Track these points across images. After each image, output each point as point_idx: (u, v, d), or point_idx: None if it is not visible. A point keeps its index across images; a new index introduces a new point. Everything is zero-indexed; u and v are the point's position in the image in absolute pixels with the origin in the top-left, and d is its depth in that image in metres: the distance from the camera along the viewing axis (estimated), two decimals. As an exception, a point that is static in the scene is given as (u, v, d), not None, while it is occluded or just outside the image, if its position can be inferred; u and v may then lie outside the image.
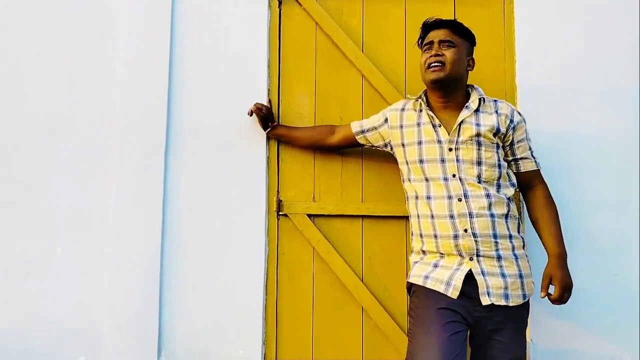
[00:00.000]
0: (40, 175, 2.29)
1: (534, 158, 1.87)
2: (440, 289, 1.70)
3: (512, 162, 1.86)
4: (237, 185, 2.26)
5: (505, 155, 1.84)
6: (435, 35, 1.81)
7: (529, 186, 1.87)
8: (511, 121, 1.81)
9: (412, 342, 1.71)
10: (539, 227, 1.84)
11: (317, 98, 2.31)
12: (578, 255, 2.06)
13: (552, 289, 1.77)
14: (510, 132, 1.81)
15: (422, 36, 1.89)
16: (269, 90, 2.31)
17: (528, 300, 1.76)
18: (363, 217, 2.24)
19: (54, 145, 2.30)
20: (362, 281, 2.20)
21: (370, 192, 2.25)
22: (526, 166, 1.85)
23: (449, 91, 1.81)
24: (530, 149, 1.86)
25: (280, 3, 2.34)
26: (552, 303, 1.73)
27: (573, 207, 2.11)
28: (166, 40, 2.30)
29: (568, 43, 2.21)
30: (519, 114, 1.85)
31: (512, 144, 1.83)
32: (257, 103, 2.16)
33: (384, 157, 2.21)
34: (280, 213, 2.26)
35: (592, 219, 2.13)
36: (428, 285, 1.73)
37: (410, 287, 1.82)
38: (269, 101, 2.26)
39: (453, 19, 1.86)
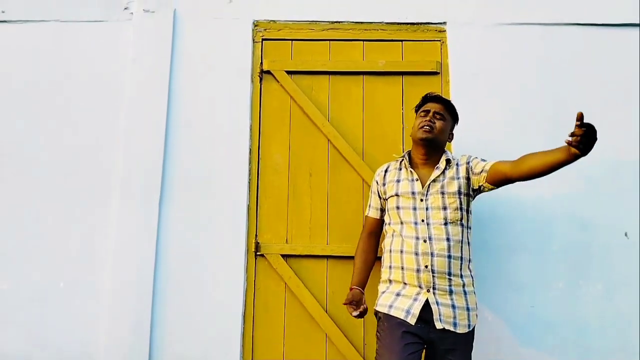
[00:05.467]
0: (49, 217, 2.64)
1: (489, 160, 2.15)
2: (401, 316, 2.02)
3: (482, 173, 2.12)
4: (221, 228, 2.64)
5: (479, 182, 2.13)
6: (433, 106, 2.21)
7: (504, 165, 2.08)
8: (467, 163, 2.18)
9: None
10: (543, 160, 1.94)
11: (290, 157, 2.75)
12: (501, 291, 2.53)
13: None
14: (470, 169, 2.15)
15: (421, 104, 2.27)
16: (250, 150, 2.75)
17: (473, 328, 2.10)
18: (328, 257, 2.63)
19: (62, 193, 2.67)
20: (327, 312, 2.58)
21: (334, 235, 2.65)
22: (488, 164, 2.12)
23: (430, 151, 2.18)
24: (482, 160, 2.15)
25: (261, 79, 2.83)
26: (577, 134, 1.74)
27: (497, 250, 2.59)
28: (163, 106, 2.74)
29: (491, 119, 2.72)
30: (469, 155, 2.22)
31: (473, 172, 2.14)
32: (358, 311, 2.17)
33: (347, 205, 2.66)
34: (257, 253, 2.64)
35: (512, 259, 2.59)
36: (392, 313, 2.05)
37: (377, 313, 2.14)
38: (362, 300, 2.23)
39: (448, 100, 2.26)
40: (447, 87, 2.79)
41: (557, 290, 2.57)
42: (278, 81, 2.81)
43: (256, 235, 2.68)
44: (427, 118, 2.18)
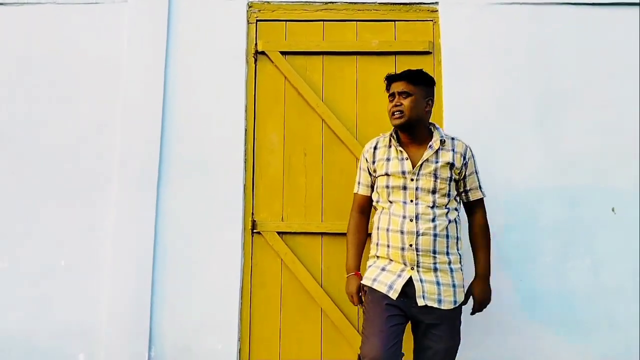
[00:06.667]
0: (51, 198, 2.70)
1: (481, 189, 2.23)
2: (384, 290, 2.07)
3: (463, 193, 2.21)
4: (218, 207, 2.70)
5: (457, 186, 2.19)
6: (395, 87, 2.14)
7: (472, 212, 2.26)
8: (464, 158, 2.16)
9: (363, 333, 2.10)
10: (473, 249, 2.25)
11: (285, 137, 2.80)
12: (490, 266, 2.58)
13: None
14: (463, 168, 2.16)
15: (387, 87, 2.21)
16: (245, 130, 2.79)
17: (460, 305, 2.12)
18: (323, 234, 2.70)
19: (64, 173, 2.73)
20: (322, 287, 2.66)
21: (329, 213, 2.72)
22: (474, 195, 2.23)
23: (411, 131, 2.14)
24: (478, 180, 2.22)
25: (255, 60, 2.86)
26: (470, 313, 2.20)
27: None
28: (159, 87, 2.77)
29: (483, 98, 2.75)
30: (471, 151, 2.20)
31: (464, 177, 2.17)
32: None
33: (340, 184, 2.71)
34: (254, 231, 2.71)
35: (501, 235, 2.65)
36: (375, 287, 2.10)
37: (363, 287, 2.18)
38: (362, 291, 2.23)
39: (410, 70, 2.16)
40: (439, 67, 2.82)
41: (544, 265, 2.64)
42: (272, 62, 2.84)
43: (252, 213, 2.74)
44: (393, 102, 2.15)
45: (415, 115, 2.13)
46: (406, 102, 2.12)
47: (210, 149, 2.76)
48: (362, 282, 2.19)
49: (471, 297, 2.19)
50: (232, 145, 2.76)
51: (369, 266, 2.21)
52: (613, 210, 2.68)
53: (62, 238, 2.67)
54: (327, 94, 2.82)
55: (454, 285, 2.09)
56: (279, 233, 2.70)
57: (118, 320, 2.58)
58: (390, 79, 2.20)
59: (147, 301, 2.59)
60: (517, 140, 2.73)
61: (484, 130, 2.73)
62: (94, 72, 2.82)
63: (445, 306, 2.06)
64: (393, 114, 2.14)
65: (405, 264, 2.08)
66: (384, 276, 2.11)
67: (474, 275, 2.23)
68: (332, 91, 2.83)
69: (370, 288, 2.13)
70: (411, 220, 2.09)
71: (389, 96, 2.20)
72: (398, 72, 2.69)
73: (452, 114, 2.75)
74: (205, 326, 2.61)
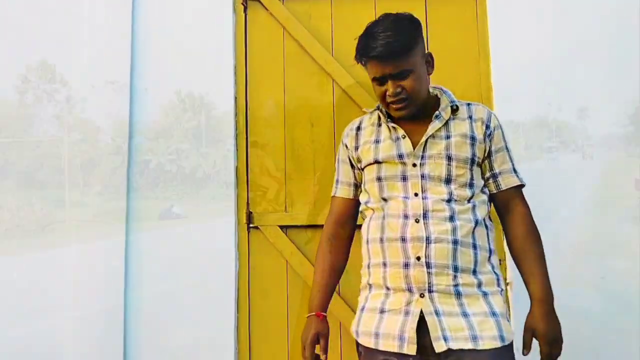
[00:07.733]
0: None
1: (516, 172, 1.56)
2: (395, 347, 1.41)
3: (491, 179, 1.55)
4: (203, 197, 2.18)
5: (483, 171, 1.56)
6: (384, 69, 1.45)
7: (507, 208, 1.56)
8: (487, 127, 1.53)
9: None
10: (519, 262, 1.53)
11: (286, 104, 2.24)
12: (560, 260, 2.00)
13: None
14: (487, 142, 1.52)
15: (363, 63, 1.52)
16: (235, 97, 2.24)
17: (510, 345, 1.41)
18: (338, 226, 2.16)
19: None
20: (340, 294, 2.11)
21: None
22: (507, 182, 1.54)
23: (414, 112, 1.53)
24: (511, 160, 1.56)
25: (245, 8, 2.28)
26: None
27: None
28: (127, 45, 2.23)
29: (535, 42, 2.17)
30: (496, 118, 1.56)
31: (489, 155, 1.53)
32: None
33: None
34: (250, 225, 2.18)
35: (580, 222, 2.06)
36: (381, 347, 1.43)
37: (358, 346, 1.53)
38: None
39: (396, 32, 1.43)
40: (482, 5, 2.22)
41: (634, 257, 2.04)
42: (267, 9, 2.28)
43: (248, 203, 2.20)
44: (389, 90, 1.46)
45: (421, 95, 1.50)
46: (408, 83, 1.45)
47: (192, 121, 2.24)
48: (357, 340, 1.51)
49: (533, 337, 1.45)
50: (219, 117, 2.24)
51: (361, 309, 1.54)
52: None
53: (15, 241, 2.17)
54: (338, 47, 2.25)
55: (493, 314, 1.40)
56: (281, 227, 2.17)
57: (85, 342, 2.09)
58: (374, 58, 1.45)
59: (120, 318, 2.09)
60: (583, 91, 2.15)
61: (534, 78, 2.16)
62: (54, 22, 2.28)
63: (487, 345, 1.36)
64: (391, 104, 1.48)
65: (410, 290, 1.42)
66: (387, 324, 1.44)
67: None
68: (345, 43, 2.22)
69: (371, 350, 1.46)
70: (417, 221, 1.44)
71: (372, 79, 1.51)
72: (422, 17, 2.17)
73: (498, 60, 2.16)
74: (195, 348, 2.10)
